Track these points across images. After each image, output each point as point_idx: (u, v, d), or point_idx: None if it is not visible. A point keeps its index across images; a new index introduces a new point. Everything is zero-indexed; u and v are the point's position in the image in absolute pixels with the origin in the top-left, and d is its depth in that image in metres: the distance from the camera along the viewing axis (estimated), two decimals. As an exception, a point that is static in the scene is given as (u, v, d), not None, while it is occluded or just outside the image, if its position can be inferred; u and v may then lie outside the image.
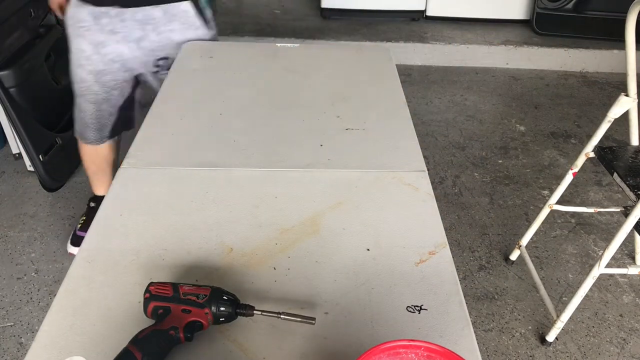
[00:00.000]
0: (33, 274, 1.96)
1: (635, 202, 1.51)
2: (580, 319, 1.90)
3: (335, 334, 0.77)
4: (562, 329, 1.77)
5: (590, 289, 1.66)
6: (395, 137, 1.24)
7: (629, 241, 2.11)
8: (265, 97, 1.40)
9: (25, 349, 1.72)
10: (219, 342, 0.75)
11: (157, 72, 1.66)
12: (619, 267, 1.81)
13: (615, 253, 1.60)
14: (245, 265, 0.87)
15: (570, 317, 1.72)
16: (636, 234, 1.99)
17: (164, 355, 0.70)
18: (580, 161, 1.78)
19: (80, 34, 1.60)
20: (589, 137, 1.75)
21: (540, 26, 3.72)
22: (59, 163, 2.16)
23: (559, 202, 1.92)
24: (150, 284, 0.76)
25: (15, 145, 2.44)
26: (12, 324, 1.78)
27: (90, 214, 2.06)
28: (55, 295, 0.82)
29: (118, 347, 0.68)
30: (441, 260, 0.90)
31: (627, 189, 1.56)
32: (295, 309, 0.78)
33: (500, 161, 2.74)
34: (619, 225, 1.56)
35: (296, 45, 1.71)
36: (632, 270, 1.66)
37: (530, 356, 1.79)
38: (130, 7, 1.52)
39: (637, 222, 1.52)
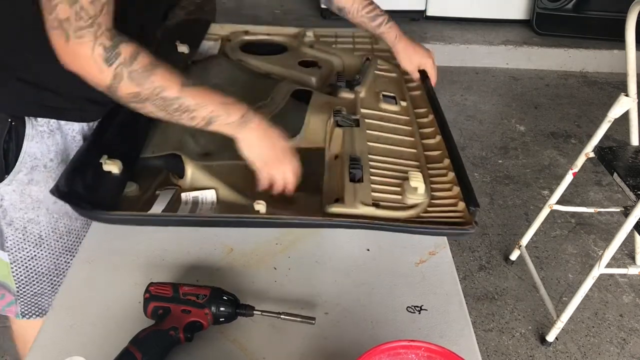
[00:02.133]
0: (33, 274, 1.96)
1: (635, 202, 1.51)
2: (580, 319, 1.90)
3: (335, 334, 0.77)
4: (562, 329, 1.77)
5: (590, 289, 1.66)
6: (395, 137, 1.24)
7: (629, 241, 2.11)
8: (265, 97, 1.39)
9: (25, 349, 1.72)
10: (219, 342, 0.74)
11: None
12: (619, 267, 1.81)
13: (615, 253, 1.60)
14: (245, 265, 0.87)
15: (570, 317, 1.72)
16: (636, 234, 1.99)
17: (164, 356, 0.70)
18: (580, 161, 1.78)
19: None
20: (589, 137, 1.75)
21: (540, 26, 3.72)
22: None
23: (559, 202, 1.92)
24: (150, 284, 0.76)
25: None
26: (12, 324, 1.78)
27: None
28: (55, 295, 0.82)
29: (118, 347, 0.68)
30: (441, 260, 0.90)
31: (627, 189, 1.56)
32: (295, 309, 0.78)
33: (500, 161, 2.74)
34: (619, 225, 1.56)
35: (296, 45, 1.70)
36: (632, 270, 1.66)
37: (530, 356, 1.79)
38: None
39: (637, 222, 1.52)
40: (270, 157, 0.93)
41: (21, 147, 0.96)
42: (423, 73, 1.32)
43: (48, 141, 0.99)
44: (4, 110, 0.95)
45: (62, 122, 1.01)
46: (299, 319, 0.75)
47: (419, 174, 0.98)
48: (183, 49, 1.31)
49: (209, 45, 1.47)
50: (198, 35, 1.43)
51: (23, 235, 1.04)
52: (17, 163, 0.97)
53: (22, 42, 0.90)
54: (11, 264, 1.06)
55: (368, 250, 0.92)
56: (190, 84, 0.85)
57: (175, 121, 0.86)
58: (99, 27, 0.76)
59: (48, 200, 1.02)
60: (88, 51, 0.77)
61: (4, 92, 0.94)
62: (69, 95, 0.97)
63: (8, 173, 0.97)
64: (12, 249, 1.04)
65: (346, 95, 1.24)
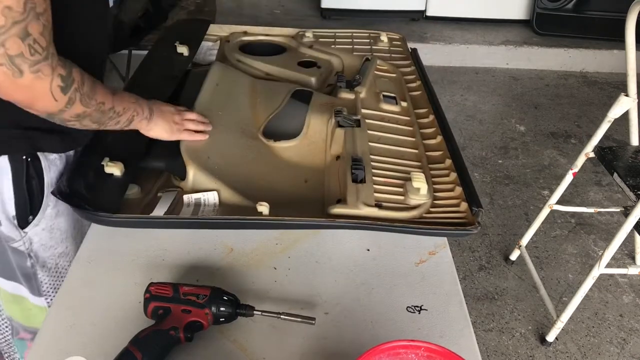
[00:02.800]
0: (33, 274, 1.96)
1: (635, 202, 1.51)
2: (580, 319, 1.90)
3: (335, 334, 0.77)
4: (562, 329, 1.77)
5: (590, 289, 1.66)
6: (395, 137, 1.24)
7: (629, 241, 2.11)
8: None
9: (25, 349, 1.72)
10: (219, 342, 0.75)
11: None
12: (619, 267, 1.81)
13: (615, 253, 1.60)
14: (245, 265, 0.87)
15: (570, 317, 1.72)
16: (636, 234, 1.99)
17: (164, 355, 0.70)
18: (580, 161, 1.78)
19: None
20: (589, 137, 1.75)
21: (540, 26, 3.72)
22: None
23: (559, 202, 1.92)
24: (150, 284, 0.76)
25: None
26: (12, 324, 1.78)
27: None
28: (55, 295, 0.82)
29: (118, 347, 0.68)
30: (441, 260, 0.90)
31: (627, 189, 1.56)
32: (295, 309, 0.78)
33: (500, 161, 2.74)
34: (619, 225, 1.56)
35: (296, 45, 1.70)
36: (632, 270, 1.66)
37: (530, 356, 1.79)
38: None
39: (637, 222, 1.52)
40: (172, 129, 0.98)
41: (43, 181, 0.93)
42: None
43: (61, 167, 0.97)
44: (16, 150, 0.89)
45: None
46: (299, 319, 0.75)
47: (422, 174, 0.98)
48: (182, 49, 1.31)
49: (208, 46, 1.47)
50: (197, 36, 1.43)
51: (56, 273, 1.01)
52: (44, 198, 0.94)
53: None
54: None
55: (368, 250, 0.92)
56: (114, 89, 0.86)
57: (102, 128, 0.87)
58: (53, 57, 0.72)
59: (72, 229, 1.02)
60: (46, 85, 0.72)
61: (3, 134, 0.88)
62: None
63: (34, 214, 0.94)
64: (48, 292, 1.01)
65: (346, 95, 1.24)
